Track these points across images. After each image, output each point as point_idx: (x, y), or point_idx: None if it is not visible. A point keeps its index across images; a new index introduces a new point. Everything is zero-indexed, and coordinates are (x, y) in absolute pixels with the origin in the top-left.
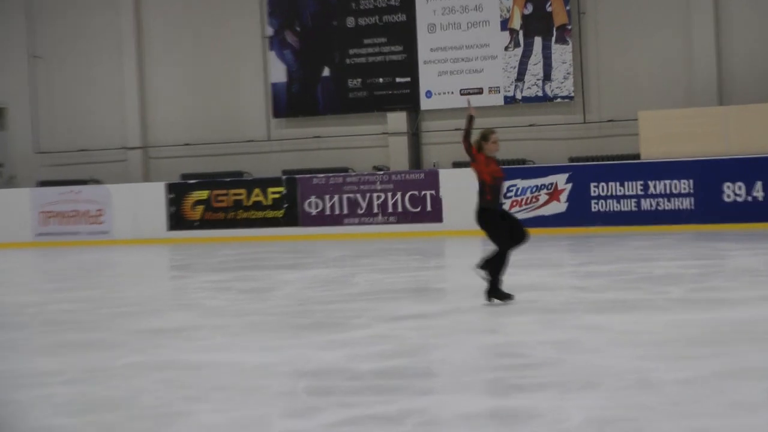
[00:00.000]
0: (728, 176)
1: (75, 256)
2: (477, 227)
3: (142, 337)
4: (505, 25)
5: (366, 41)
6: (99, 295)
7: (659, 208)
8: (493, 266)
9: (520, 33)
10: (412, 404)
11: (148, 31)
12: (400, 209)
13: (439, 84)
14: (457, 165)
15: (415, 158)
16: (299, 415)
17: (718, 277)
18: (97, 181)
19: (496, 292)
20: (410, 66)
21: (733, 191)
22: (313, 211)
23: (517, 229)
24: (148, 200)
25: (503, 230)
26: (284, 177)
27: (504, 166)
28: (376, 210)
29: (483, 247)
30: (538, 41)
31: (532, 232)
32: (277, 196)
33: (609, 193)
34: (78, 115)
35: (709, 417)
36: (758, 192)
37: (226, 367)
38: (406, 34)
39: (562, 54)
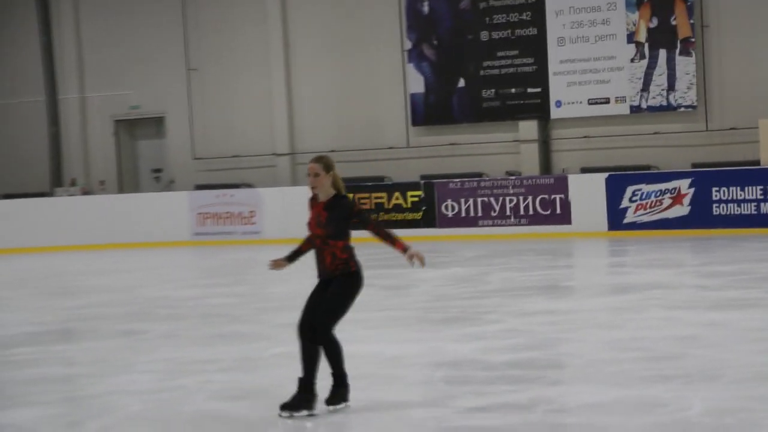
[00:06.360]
0: None
1: (229, 254)
2: (603, 229)
3: (288, 331)
4: (631, 38)
5: (499, 54)
6: (250, 291)
7: None
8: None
9: (646, 45)
10: (542, 393)
11: (295, 43)
12: (531, 212)
13: (568, 94)
14: (585, 170)
15: (545, 164)
16: (436, 403)
17: None
18: (249, 185)
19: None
20: (541, 77)
21: None
22: (450, 214)
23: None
24: (297, 203)
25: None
26: (422, 182)
27: (629, 172)
28: (508, 213)
29: (608, 248)
30: (662, 53)
31: (656, 234)
32: (416, 199)
33: (730, 198)
34: (230, 123)
35: None
36: None
37: (366, 357)
38: (537, 47)
39: (686, 65)
